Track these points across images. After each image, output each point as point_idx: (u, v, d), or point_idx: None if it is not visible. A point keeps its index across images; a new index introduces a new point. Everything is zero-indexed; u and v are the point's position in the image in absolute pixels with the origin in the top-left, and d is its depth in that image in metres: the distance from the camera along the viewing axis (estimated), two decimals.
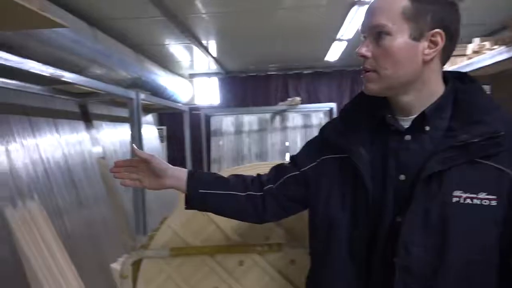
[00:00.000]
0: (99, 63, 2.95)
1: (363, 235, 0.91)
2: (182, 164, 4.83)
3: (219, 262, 1.34)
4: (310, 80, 5.48)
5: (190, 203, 1.06)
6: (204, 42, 4.02)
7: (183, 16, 3.15)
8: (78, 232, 2.53)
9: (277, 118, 5.20)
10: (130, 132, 2.94)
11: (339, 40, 3.93)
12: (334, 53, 4.48)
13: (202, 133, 4.95)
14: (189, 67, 5.14)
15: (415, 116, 0.91)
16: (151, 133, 4.37)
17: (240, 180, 1.08)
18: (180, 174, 1.05)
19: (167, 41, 3.93)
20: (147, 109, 4.11)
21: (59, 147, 2.63)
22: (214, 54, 4.57)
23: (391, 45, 0.86)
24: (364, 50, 0.89)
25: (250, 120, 5.23)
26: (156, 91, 4.17)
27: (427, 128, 0.90)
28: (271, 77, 5.50)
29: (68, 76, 2.13)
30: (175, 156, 5.28)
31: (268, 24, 3.44)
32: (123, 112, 3.41)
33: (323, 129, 1.07)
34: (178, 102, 4.84)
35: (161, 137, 4.96)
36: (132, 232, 3.05)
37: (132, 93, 2.90)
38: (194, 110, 5.06)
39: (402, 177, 0.90)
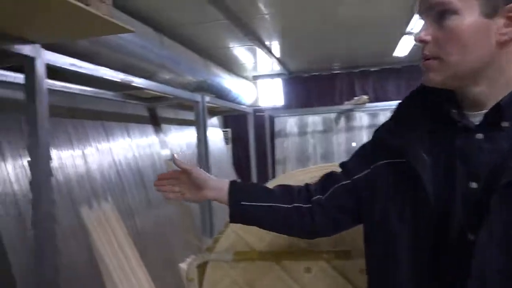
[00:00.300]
0: (167, 68, 3.04)
1: (426, 252, 0.77)
2: (247, 165, 4.88)
3: (285, 268, 1.29)
4: (378, 78, 5.25)
5: (233, 217, 0.99)
6: (267, 43, 4.00)
7: (246, 18, 3.16)
8: (148, 231, 2.62)
9: (343, 118, 5.07)
10: (196, 135, 2.99)
11: (409, 33, 3.71)
12: (403, 48, 4.25)
13: (266, 134, 4.95)
14: (252, 69, 5.16)
15: (487, 110, 0.76)
16: (216, 136, 4.44)
17: (286, 191, 0.99)
18: (222, 185, 0.99)
19: (231, 44, 3.96)
20: (213, 112, 4.18)
21: (130, 150, 2.74)
22: (277, 55, 4.54)
23: (457, 25, 0.72)
24: (423, 34, 0.76)
25: (314, 120, 5.14)
26: (221, 94, 4.23)
27: (505, 124, 0.74)
28: (336, 76, 5.35)
29: (137, 81, 2.21)
30: (240, 158, 5.33)
31: (331, 20, 3.34)
32: (190, 116, 3.49)
33: (377, 132, 0.96)
34: (243, 104, 4.88)
35: (226, 139, 5.03)
36: (198, 233, 3.11)
37: (197, 96, 2.96)
38: (258, 112, 5.07)
39: (473, 184, 0.74)
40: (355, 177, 0.93)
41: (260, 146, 4.85)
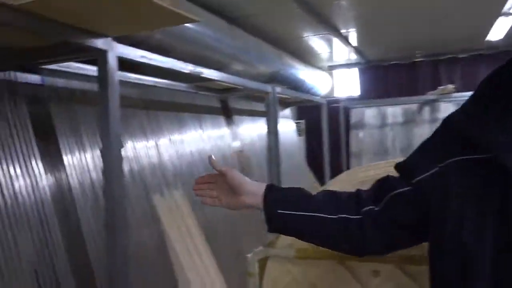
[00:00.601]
0: (239, 60, 3.04)
1: None
2: (320, 158, 4.77)
3: (350, 269, 1.20)
4: (467, 65, 4.79)
5: (270, 226, 0.87)
6: (343, 31, 3.84)
7: (320, 5, 3.04)
8: (217, 221, 2.65)
9: (426, 109, 4.73)
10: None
11: (506, 14, 3.30)
12: (498, 31, 3.81)
13: (341, 126, 4.79)
14: (328, 58, 5.00)
15: None
16: (288, 127, 4.39)
17: (331, 198, 0.85)
18: (258, 189, 0.88)
19: (305, 34, 3.86)
20: (285, 103, 4.12)
21: (202, 141, 2.79)
22: (354, 44, 4.35)
23: None
24: None
25: (394, 111, 4.87)
26: (295, 84, 4.16)
27: None
28: (418, 64, 4.99)
29: (207, 73, 2.22)
30: (313, 150, 5.22)
31: (414, 3, 3.09)
32: (262, 107, 3.48)
33: (449, 119, 0.77)
34: (317, 95, 4.76)
35: (299, 131, 4.95)
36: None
37: (268, 87, 2.92)
38: (332, 103, 4.92)
39: None
40: (418, 179, 0.76)
41: (334, 138, 4.70)
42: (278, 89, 3.04)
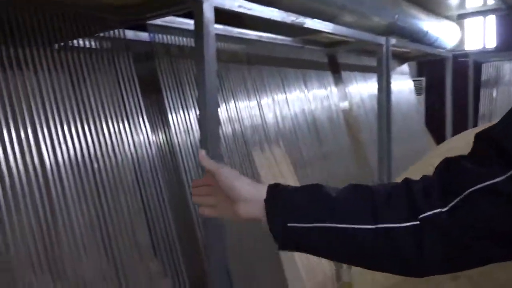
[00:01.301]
0: (349, 10, 2.79)
1: None
2: (442, 120, 4.27)
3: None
4: None
5: (281, 245, 0.61)
6: None
7: None
8: (319, 181, 2.56)
9: None
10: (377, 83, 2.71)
11: None
12: None
13: (469, 83, 4.21)
14: (458, 6, 4.35)
15: None
16: (404, 85, 3.99)
17: (364, 197, 0.56)
18: (256, 194, 0.62)
19: None
20: (402, 58, 3.73)
21: (307, 101, 2.67)
22: None
23: None
24: None
25: None
26: (415, 36, 3.72)
27: None
28: None
29: (309, 23, 2.06)
30: (435, 111, 4.71)
31: None
32: (374, 62, 3.19)
33: None
34: (442, 48, 4.21)
35: (418, 89, 4.48)
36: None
37: (381, 39, 2.64)
38: (460, 57, 4.32)
39: None
40: None
41: (459, 97, 4.16)
42: (393, 40, 2.73)
